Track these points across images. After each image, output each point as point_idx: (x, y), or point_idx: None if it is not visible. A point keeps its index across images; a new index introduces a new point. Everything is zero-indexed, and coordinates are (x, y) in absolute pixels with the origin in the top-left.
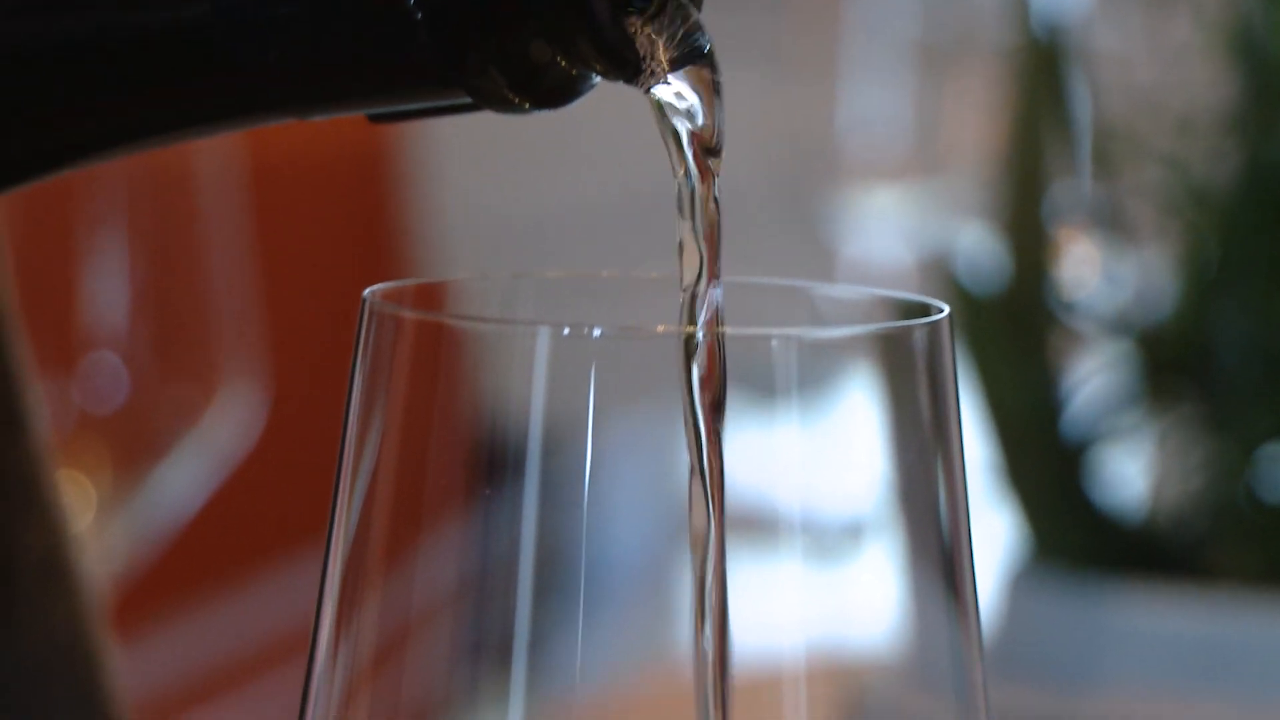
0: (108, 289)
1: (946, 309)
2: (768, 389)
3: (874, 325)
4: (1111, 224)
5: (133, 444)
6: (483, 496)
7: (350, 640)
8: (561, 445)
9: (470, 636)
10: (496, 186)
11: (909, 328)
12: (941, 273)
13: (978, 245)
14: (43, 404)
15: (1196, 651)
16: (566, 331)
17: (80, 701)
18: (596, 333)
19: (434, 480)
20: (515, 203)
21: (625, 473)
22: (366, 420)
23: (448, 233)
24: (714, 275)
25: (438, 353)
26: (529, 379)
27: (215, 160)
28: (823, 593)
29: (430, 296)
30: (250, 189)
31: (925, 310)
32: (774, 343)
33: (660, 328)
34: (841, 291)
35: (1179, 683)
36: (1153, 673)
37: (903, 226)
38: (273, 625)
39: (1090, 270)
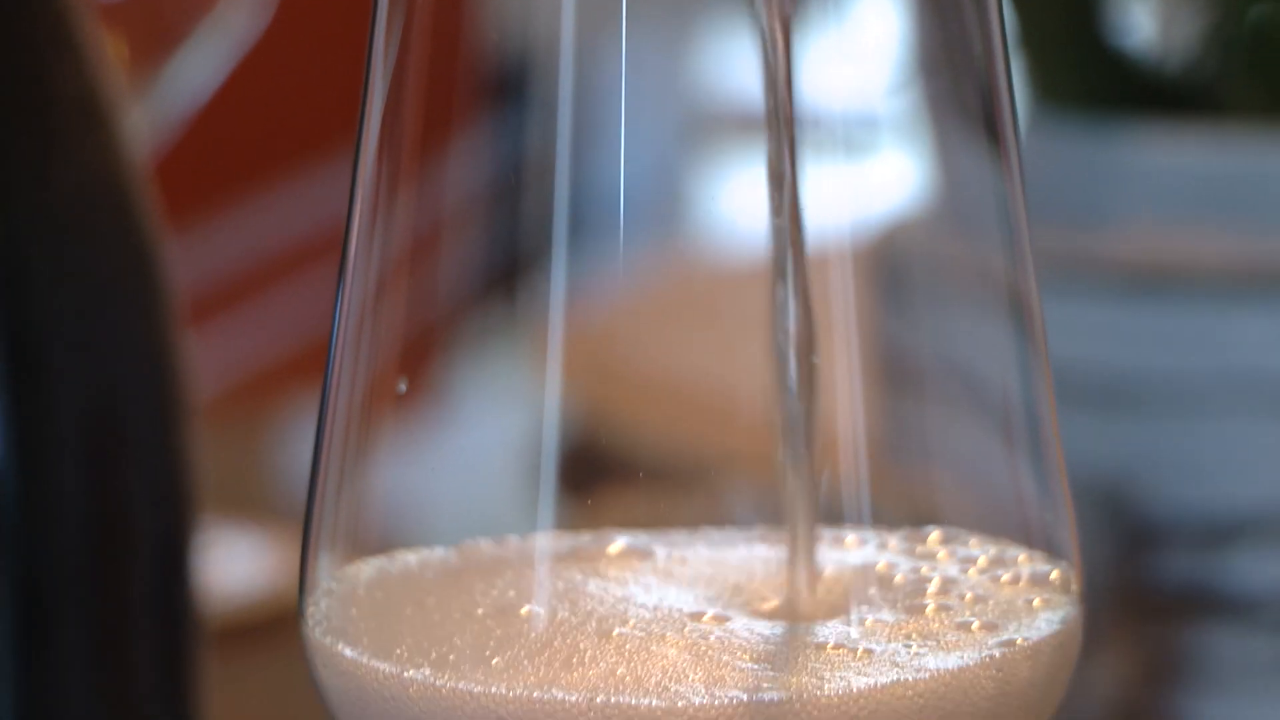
0: None
1: None
2: None
3: None
4: None
5: (147, 34)
6: (517, 75)
7: (382, 234)
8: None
9: (504, 231)
10: None
11: None
12: None
13: None
14: None
15: (1208, 186)
16: None
17: (119, 235)
18: None
19: (466, 55)
20: None
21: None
22: None
23: None
24: None
25: None
26: None
27: None
28: (860, 168)
29: None
30: None
31: None
32: None
33: None
34: None
35: (1191, 217)
36: (1165, 208)
37: None
38: (295, 227)
39: None
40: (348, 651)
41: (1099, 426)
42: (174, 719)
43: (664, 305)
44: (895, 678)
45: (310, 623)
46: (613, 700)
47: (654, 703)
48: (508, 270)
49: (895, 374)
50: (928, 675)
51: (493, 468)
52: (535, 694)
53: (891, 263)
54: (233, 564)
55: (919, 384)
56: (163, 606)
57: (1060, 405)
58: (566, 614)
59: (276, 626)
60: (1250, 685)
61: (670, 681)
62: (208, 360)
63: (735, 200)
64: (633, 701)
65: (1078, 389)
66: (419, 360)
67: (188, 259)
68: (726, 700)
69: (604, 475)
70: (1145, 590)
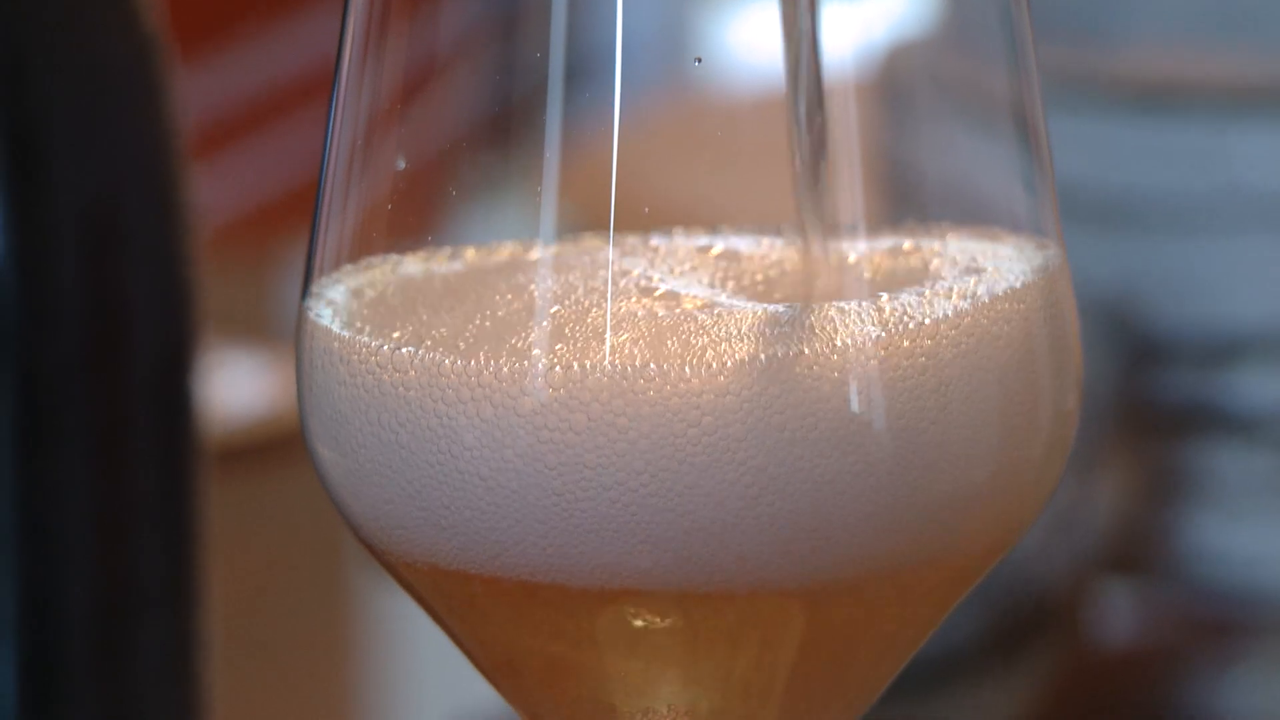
0: None
1: None
2: None
3: None
4: None
5: None
6: None
7: (374, 71)
8: None
9: (502, 68)
10: None
11: None
12: None
13: None
14: None
15: (1214, 4)
16: None
17: (121, 37)
18: None
19: None
20: None
21: None
22: None
23: None
24: None
25: None
26: None
27: None
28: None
29: None
30: None
31: None
32: None
33: None
34: None
35: (1198, 35)
36: (1172, 26)
37: None
38: (307, 58)
39: None
40: (344, 331)
41: (1103, 244)
42: (172, 531)
43: (669, 140)
44: (886, 331)
45: (310, 310)
46: (588, 366)
47: (652, 369)
48: (509, 109)
49: (899, 194)
50: (920, 325)
51: None
52: (509, 366)
53: (896, 83)
54: (238, 386)
55: (923, 203)
56: (163, 415)
57: (1064, 223)
58: (563, 299)
59: (280, 449)
60: (1250, 502)
61: (668, 349)
62: (218, 191)
63: (740, 34)
64: (617, 364)
65: (1082, 206)
66: (414, 198)
67: (199, 89)
68: (724, 363)
69: None
70: (1147, 407)
